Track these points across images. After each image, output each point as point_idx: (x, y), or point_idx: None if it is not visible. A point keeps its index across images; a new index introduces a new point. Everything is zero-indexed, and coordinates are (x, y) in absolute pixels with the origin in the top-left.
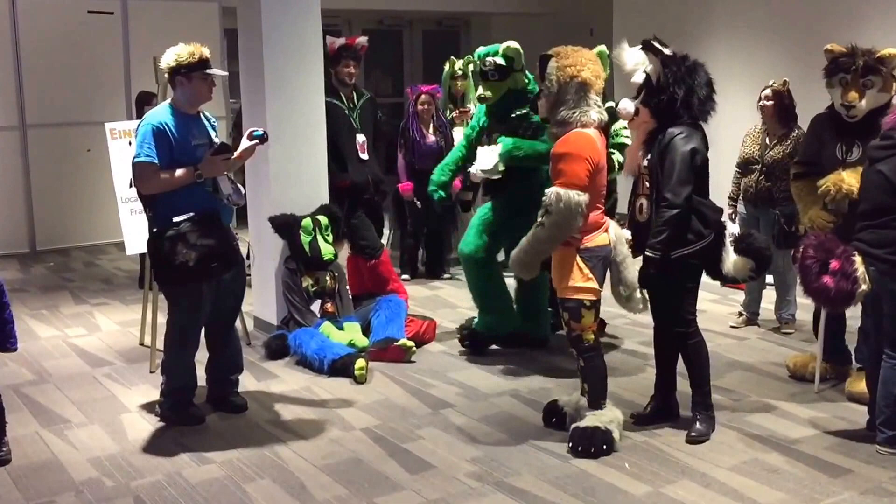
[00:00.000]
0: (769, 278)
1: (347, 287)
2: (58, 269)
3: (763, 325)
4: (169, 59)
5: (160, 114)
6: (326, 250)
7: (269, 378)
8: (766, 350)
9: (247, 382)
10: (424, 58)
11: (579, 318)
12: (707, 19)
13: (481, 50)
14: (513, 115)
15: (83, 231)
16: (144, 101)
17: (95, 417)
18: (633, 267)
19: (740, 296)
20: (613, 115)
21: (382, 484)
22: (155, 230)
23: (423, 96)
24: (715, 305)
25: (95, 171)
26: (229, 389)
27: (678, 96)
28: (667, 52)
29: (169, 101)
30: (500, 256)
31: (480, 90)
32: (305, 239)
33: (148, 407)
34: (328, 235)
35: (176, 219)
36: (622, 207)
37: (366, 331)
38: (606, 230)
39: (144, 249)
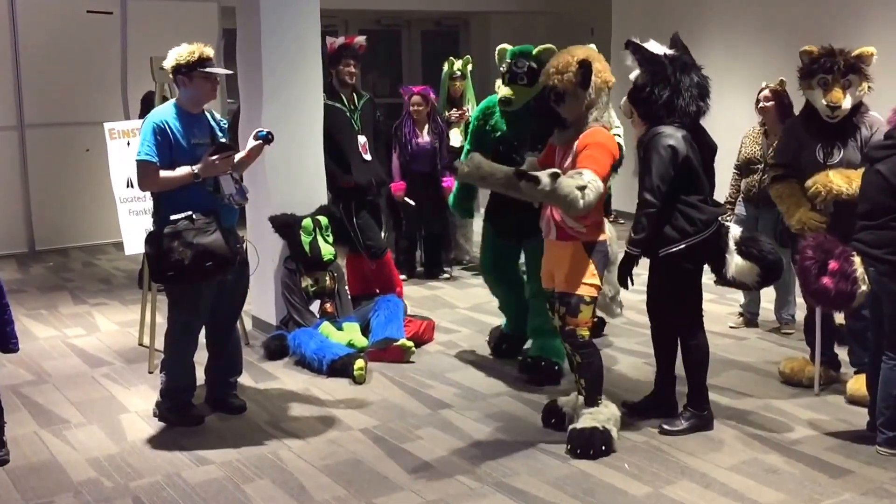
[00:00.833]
0: None
1: (346, 287)
2: (56, 269)
3: (763, 326)
4: (170, 59)
5: (163, 112)
6: (326, 251)
7: (269, 378)
8: (766, 350)
9: (246, 383)
10: (423, 58)
11: (577, 313)
12: (706, 20)
13: (513, 48)
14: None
15: (82, 231)
16: (151, 102)
17: (94, 418)
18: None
19: (740, 296)
20: None
21: (381, 484)
22: (154, 228)
23: (415, 97)
24: (714, 305)
25: (94, 172)
26: (228, 390)
27: (660, 97)
28: (657, 52)
29: (174, 100)
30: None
31: (506, 91)
32: (306, 239)
33: (147, 407)
34: (328, 236)
35: (173, 217)
36: (616, 205)
37: (365, 331)
38: (603, 227)
39: (143, 249)
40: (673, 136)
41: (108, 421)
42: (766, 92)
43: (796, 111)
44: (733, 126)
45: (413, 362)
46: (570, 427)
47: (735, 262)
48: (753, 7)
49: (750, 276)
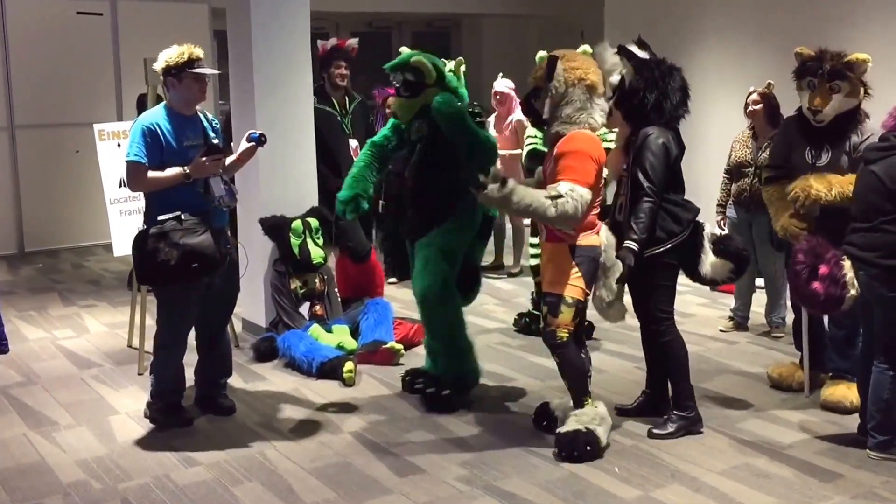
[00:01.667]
0: (759, 282)
1: (336, 289)
2: (46, 270)
3: (753, 330)
4: (160, 61)
5: (153, 115)
6: (316, 253)
7: (258, 380)
8: (756, 354)
9: (235, 384)
10: None
11: (557, 313)
12: (697, 24)
13: (391, 62)
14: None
15: (71, 232)
16: (145, 103)
17: (83, 419)
18: (615, 272)
19: (730, 300)
20: None
21: (371, 487)
22: (142, 228)
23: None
24: (705, 309)
25: (84, 173)
26: (218, 392)
27: (649, 100)
28: (643, 55)
29: (165, 102)
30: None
31: (393, 106)
32: (295, 242)
33: (136, 409)
34: (318, 238)
35: (161, 217)
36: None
37: (354, 333)
38: (598, 232)
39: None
40: (664, 135)
41: (97, 423)
42: (755, 96)
43: (785, 113)
44: (726, 130)
45: (402, 365)
46: (557, 431)
47: (710, 260)
48: (747, 12)
49: (722, 272)
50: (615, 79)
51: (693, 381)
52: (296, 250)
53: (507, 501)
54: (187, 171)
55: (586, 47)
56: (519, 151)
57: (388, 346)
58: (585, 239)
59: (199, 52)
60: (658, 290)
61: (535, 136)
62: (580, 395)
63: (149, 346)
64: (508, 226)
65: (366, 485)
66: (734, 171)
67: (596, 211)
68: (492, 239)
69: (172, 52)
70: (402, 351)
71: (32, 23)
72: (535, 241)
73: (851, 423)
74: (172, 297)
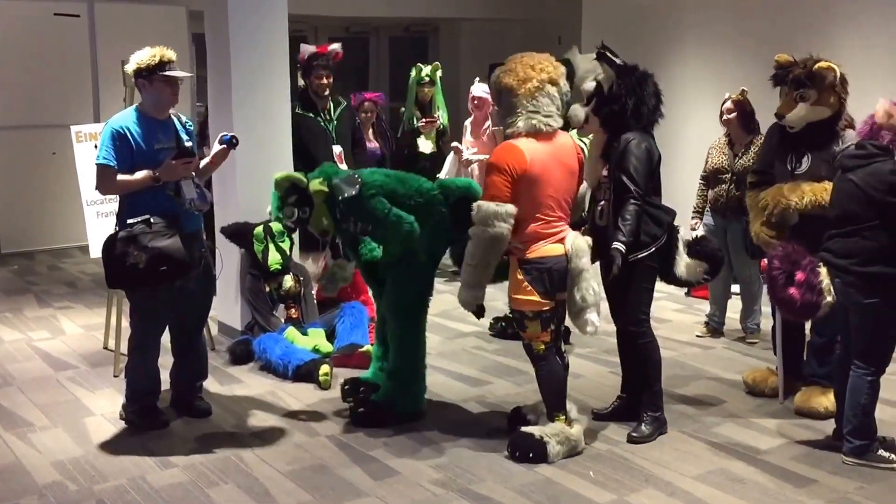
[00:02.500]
0: (735, 288)
1: (313, 292)
2: (22, 272)
3: (728, 335)
4: (132, 63)
5: (123, 117)
6: (273, 259)
7: (234, 383)
8: (732, 359)
9: (211, 387)
10: (391, 64)
11: (524, 328)
12: (675, 30)
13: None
14: None
15: (48, 234)
16: None
17: (59, 421)
18: (587, 283)
19: (706, 305)
20: (567, 122)
21: (347, 491)
22: (113, 232)
23: (366, 103)
24: (680, 315)
25: (61, 174)
26: (194, 394)
27: (629, 107)
28: (618, 61)
29: (136, 104)
30: None
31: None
32: (258, 247)
33: (112, 411)
34: (282, 242)
35: (130, 220)
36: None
37: (330, 337)
38: (560, 241)
39: None
40: (646, 140)
41: (72, 424)
42: (728, 104)
43: (761, 119)
44: (703, 136)
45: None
46: (518, 429)
47: (684, 262)
48: (725, 18)
49: (696, 273)
50: (590, 85)
51: (668, 385)
52: (258, 256)
53: None
54: (157, 173)
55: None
56: None
57: (363, 349)
58: (535, 252)
59: (171, 54)
60: (640, 292)
61: None
62: (552, 409)
63: (124, 348)
64: None
65: (341, 488)
66: (711, 178)
67: (543, 222)
68: None
69: (144, 55)
70: None
71: (9, 24)
72: None
73: (826, 428)
74: (144, 300)
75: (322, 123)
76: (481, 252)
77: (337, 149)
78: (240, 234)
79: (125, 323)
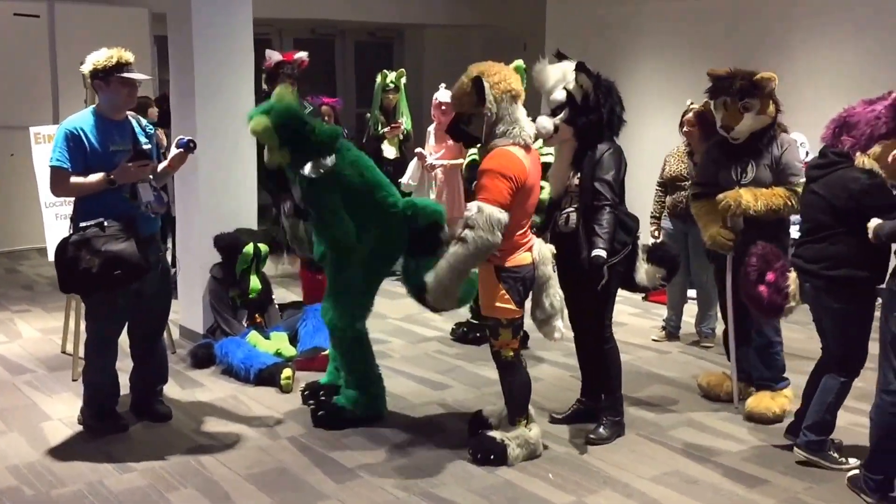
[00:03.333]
0: (691, 292)
1: (273, 297)
2: None
3: (684, 339)
4: (87, 63)
5: (79, 119)
6: (254, 286)
7: (195, 387)
8: (687, 363)
9: (172, 391)
10: (356, 69)
11: (497, 335)
12: (637, 38)
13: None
14: None
15: (5, 236)
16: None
17: (15, 425)
18: (554, 290)
19: (662, 310)
20: None
21: (307, 493)
22: (66, 235)
23: (324, 107)
24: (637, 319)
25: (18, 176)
26: (154, 398)
27: (604, 116)
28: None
29: (93, 106)
30: None
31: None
32: (241, 266)
33: (70, 415)
34: (262, 264)
35: (83, 224)
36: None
37: (293, 340)
38: (530, 249)
39: None
40: (618, 149)
41: (29, 429)
42: (690, 116)
43: None
44: (659, 143)
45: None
46: (479, 433)
47: (644, 268)
48: (683, 28)
49: (654, 279)
50: (560, 94)
51: (626, 389)
52: (237, 274)
53: None
54: (111, 176)
55: (519, 62)
56: (461, 161)
57: (326, 352)
58: (512, 260)
59: (128, 55)
60: (607, 298)
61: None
62: (515, 414)
63: (83, 351)
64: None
65: (302, 491)
66: (669, 185)
67: (523, 230)
68: None
69: (101, 55)
70: None
71: None
72: None
73: (778, 430)
74: (100, 304)
75: None
76: (474, 259)
77: None
78: (230, 249)
79: (83, 326)
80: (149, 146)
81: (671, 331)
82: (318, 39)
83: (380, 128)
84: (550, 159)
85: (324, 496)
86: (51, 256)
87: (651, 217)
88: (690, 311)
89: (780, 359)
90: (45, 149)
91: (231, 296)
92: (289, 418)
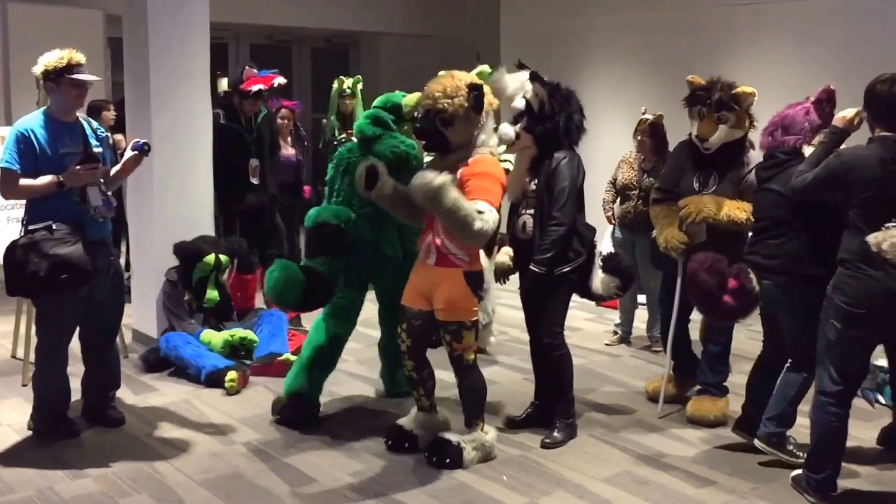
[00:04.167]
0: (641, 298)
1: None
2: None
3: (635, 344)
4: (39, 65)
5: (29, 120)
6: (210, 296)
7: (148, 391)
8: (638, 367)
9: (125, 396)
10: (313, 75)
11: (461, 338)
12: (591, 48)
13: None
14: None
15: None
16: (92, 109)
17: None
18: (494, 296)
19: (615, 315)
20: None
21: (263, 498)
22: (15, 238)
23: (283, 110)
24: (590, 324)
25: None
26: (106, 403)
27: (560, 125)
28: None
29: (44, 107)
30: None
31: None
32: (198, 274)
33: (20, 421)
34: (221, 275)
35: (31, 227)
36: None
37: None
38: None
39: None
40: (575, 158)
41: None
42: (644, 126)
43: (671, 139)
44: (615, 150)
45: None
46: (437, 435)
47: (599, 277)
48: (635, 38)
49: (609, 288)
50: (520, 103)
51: (579, 392)
52: (193, 282)
53: None
54: (61, 179)
55: (484, 68)
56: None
57: (282, 357)
58: (476, 265)
59: (79, 57)
60: (559, 306)
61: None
62: (473, 417)
63: (33, 356)
64: None
65: (257, 496)
66: (620, 193)
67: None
68: None
69: (52, 57)
70: None
71: None
72: None
73: (724, 433)
74: (49, 308)
75: (244, 134)
76: (461, 225)
77: (254, 162)
78: (192, 258)
79: (34, 331)
80: (100, 149)
81: (623, 335)
82: (275, 45)
83: (337, 133)
84: (510, 166)
85: (278, 501)
86: (1, 260)
87: (604, 202)
88: (642, 316)
89: (727, 367)
90: None
91: (186, 299)
92: (244, 422)
